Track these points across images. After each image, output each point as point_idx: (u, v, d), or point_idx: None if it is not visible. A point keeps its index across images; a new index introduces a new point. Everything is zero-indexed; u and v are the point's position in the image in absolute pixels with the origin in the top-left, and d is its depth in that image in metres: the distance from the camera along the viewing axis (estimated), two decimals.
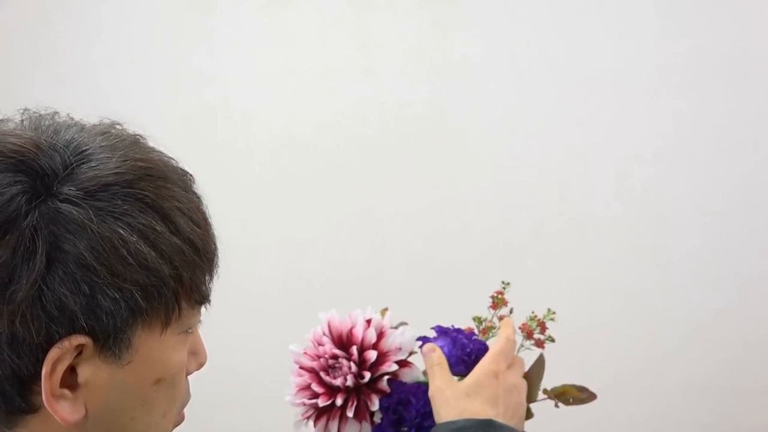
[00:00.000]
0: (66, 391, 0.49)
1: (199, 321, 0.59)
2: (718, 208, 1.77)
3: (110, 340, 0.49)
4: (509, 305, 0.78)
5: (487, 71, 1.72)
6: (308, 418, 0.72)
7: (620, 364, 1.80)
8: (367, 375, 0.68)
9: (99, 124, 0.56)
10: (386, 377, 0.70)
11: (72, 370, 0.50)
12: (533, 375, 0.76)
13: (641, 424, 1.81)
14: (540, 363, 0.77)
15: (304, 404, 0.71)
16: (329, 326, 0.72)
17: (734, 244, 1.78)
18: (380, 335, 0.70)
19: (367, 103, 1.70)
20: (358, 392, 0.69)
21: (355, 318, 0.71)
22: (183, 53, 1.73)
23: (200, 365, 0.62)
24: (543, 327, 0.77)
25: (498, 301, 0.77)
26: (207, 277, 0.56)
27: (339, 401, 0.68)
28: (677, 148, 1.75)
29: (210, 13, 1.72)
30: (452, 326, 0.75)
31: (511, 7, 1.72)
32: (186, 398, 0.60)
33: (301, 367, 0.73)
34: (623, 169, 1.76)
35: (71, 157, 0.51)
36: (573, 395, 0.75)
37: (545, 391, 0.76)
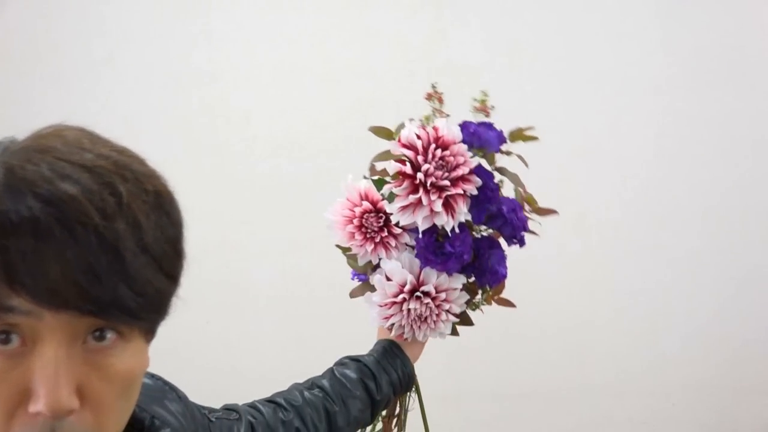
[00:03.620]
0: None
1: None
2: (717, 208, 1.77)
3: None
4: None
5: (487, 71, 1.72)
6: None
7: (620, 363, 1.80)
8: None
9: None
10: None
11: None
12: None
13: (641, 424, 1.81)
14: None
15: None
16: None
17: (734, 244, 1.78)
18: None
19: (367, 103, 1.70)
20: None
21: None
22: (183, 53, 1.73)
23: None
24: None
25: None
26: None
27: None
28: (677, 148, 1.75)
29: (210, 13, 1.72)
30: None
31: (511, 8, 1.72)
32: None
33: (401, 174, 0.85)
34: (623, 169, 1.76)
35: None
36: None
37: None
